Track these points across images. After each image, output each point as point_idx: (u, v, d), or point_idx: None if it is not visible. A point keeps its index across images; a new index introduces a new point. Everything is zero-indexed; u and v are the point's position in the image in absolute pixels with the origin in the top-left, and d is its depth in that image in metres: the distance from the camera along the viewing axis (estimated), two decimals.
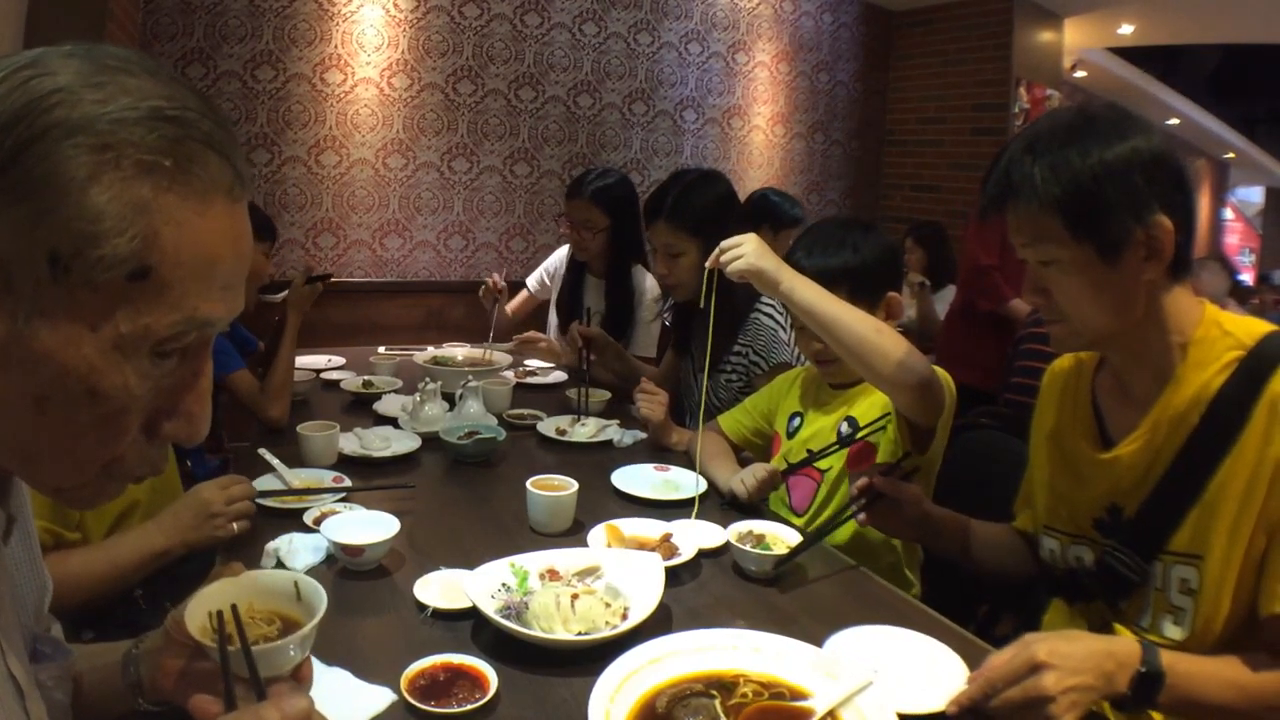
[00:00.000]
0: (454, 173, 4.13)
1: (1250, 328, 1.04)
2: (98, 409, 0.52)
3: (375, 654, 1.01)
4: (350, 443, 1.74)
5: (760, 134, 5.14)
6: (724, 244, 1.45)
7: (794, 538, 1.36)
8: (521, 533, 1.42)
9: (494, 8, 4.11)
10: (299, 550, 1.26)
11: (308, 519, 1.38)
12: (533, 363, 2.76)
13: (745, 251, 1.42)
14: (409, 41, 3.91)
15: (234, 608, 0.73)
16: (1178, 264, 1.03)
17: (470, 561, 1.18)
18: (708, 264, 1.48)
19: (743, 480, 1.56)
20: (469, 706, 0.91)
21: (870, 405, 1.56)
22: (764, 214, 3.51)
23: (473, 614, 1.09)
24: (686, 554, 1.29)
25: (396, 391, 2.23)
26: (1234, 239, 13.67)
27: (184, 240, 0.51)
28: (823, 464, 1.58)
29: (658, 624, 1.10)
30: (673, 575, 1.24)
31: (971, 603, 1.54)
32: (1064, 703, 0.87)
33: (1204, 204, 12.11)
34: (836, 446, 1.55)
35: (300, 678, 0.76)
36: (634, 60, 4.59)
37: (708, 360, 1.68)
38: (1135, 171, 0.98)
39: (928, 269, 4.15)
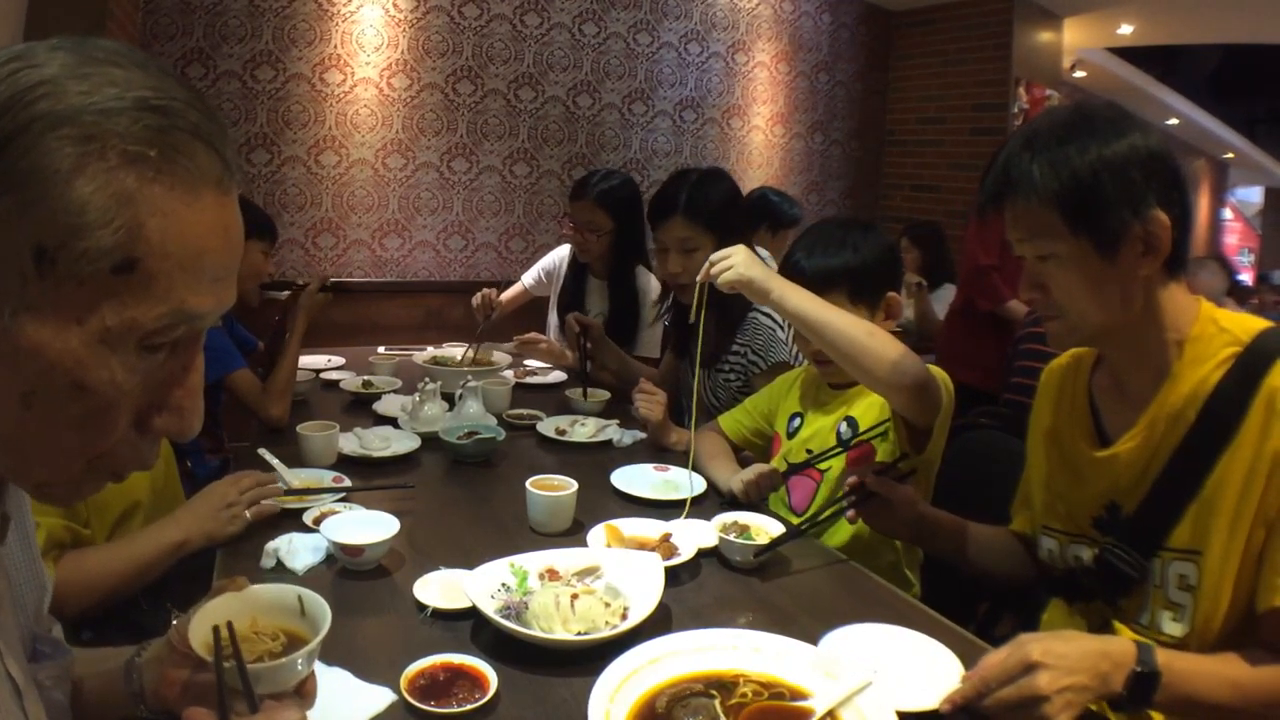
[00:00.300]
0: (453, 173, 4.13)
1: (1246, 324, 1.04)
2: (85, 403, 0.51)
3: (375, 654, 1.01)
4: (350, 443, 1.74)
5: (760, 134, 5.14)
6: (713, 257, 1.46)
7: (777, 529, 1.37)
8: (521, 533, 1.42)
9: (494, 8, 4.11)
10: (299, 550, 1.26)
11: (307, 519, 1.38)
12: (532, 363, 2.76)
13: (734, 262, 1.43)
14: (409, 41, 3.91)
15: (230, 625, 0.73)
16: (1174, 261, 1.04)
17: (470, 561, 1.18)
18: (698, 278, 1.49)
19: (743, 480, 1.56)
20: (469, 706, 0.91)
21: (869, 405, 1.56)
22: (763, 213, 3.51)
23: (472, 614, 1.09)
24: (686, 554, 1.29)
25: (396, 391, 2.23)
26: (1233, 239, 13.67)
27: (170, 232, 0.50)
28: (822, 464, 1.58)
29: (657, 624, 1.10)
30: (672, 575, 1.24)
31: (971, 602, 1.54)
32: (1058, 703, 0.87)
33: (1203, 204, 12.12)
34: (839, 450, 1.55)
35: (304, 693, 0.76)
36: (634, 60, 4.58)
37: (697, 373, 1.66)
38: (1133, 167, 0.99)
39: (924, 269, 4.16)
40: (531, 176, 4.35)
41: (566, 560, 1.20)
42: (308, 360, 2.50)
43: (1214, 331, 1.05)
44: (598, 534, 1.35)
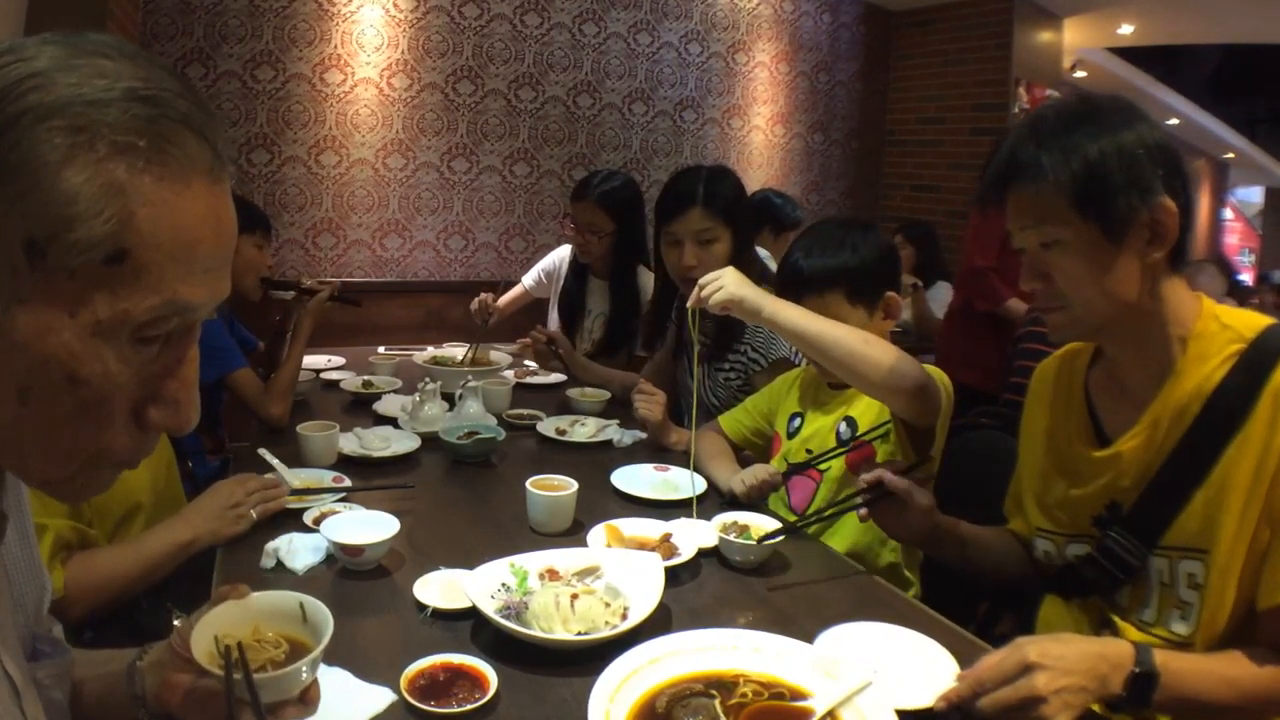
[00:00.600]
0: (454, 173, 4.13)
1: (1249, 321, 1.04)
2: (80, 396, 0.51)
3: (375, 654, 1.01)
4: (350, 443, 1.74)
5: (760, 134, 5.14)
6: (702, 280, 1.46)
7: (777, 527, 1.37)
8: (521, 533, 1.42)
9: (494, 8, 4.11)
10: (299, 550, 1.26)
11: (308, 519, 1.38)
12: (532, 363, 2.76)
13: (724, 283, 1.43)
14: (409, 41, 3.91)
15: (239, 646, 0.73)
16: (1177, 254, 1.04)
17: (470, 561, 1.18)
18: (689, 303, 1.48)
19: (743, 480, 1.56)
20: (469, 706, 0.91)
21: (869, 405, 1.56)
22: (765, 215, 3.52)
23: (472, 614, 1.09)
24: (686, 554, 1.29)
25: (396, 391, 2.23)
26: (1234, 239, 13.67)
27: (161, 222, 0.50)
28: (822, 465, 1.59)
29: (657, 624, 1.10)
30: (672, 575, 1.24)
31: (971, 602, 1.54)
32: (1056, 704, 0.87)
33: (1204, 204, 12.11)
34: (839, 451, 1.55)
35: (307, 700, 0.76)
36: (634, 60, 4.58)
37: (696, 384, 1.66)
38: (1141, 154, 1.00)
39: (917, 268, 4.17)
40: (531, 176, 4.35)
41: (566, 560, 1.20)
42: (308, 360, 2.49)
43: (1217, 328, 1.04)
44: (598, 534, 1.35)
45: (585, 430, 1.96)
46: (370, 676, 0.95)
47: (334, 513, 1.38)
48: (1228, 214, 13.35)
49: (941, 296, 4.15)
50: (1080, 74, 6.58)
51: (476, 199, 4.22)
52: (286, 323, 2.37)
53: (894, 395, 1.39)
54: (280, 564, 1.24)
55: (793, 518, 1.60)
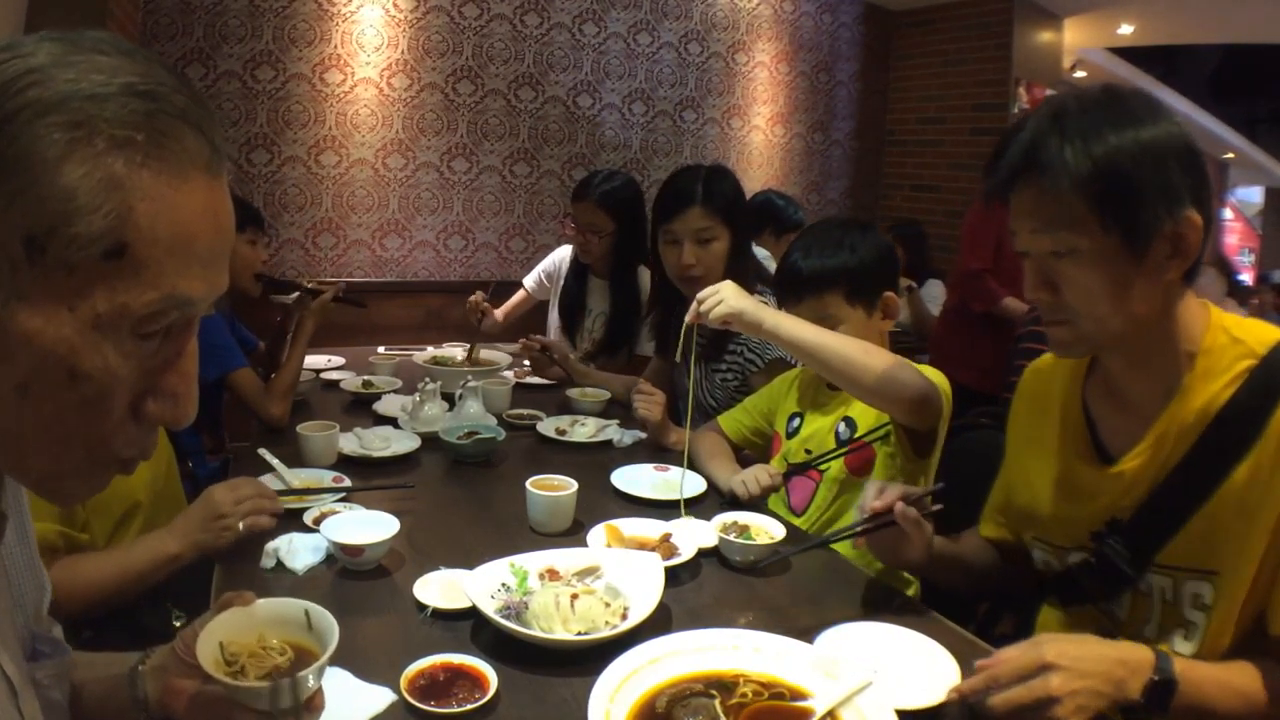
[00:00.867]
0: (454, 173, 4.13)
1: (1261, 335, 0.98)
2: (80, 391, 0.51)
3: (375, 654, 1.01)
4: (350, 443, 1.74)
5: (760, 134, 5.14)
6: (700, 295, 1.45)
7: (777, 529, 1.38)
8: (521, 533, 1.42)
9: (494, 8, 4.11)
10: (299, 550, 1.26)
11: (308, 519, 1.38)
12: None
13: (724, 296, 1.42)
14: (409, 41, 3.91)
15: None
16: (1193, 267, 0.97)
17: (470, 561, 1.18)
18: (687, 319, 1.48)
19: (743, 481, 1.56)
20: (469, 706, 0.91)
21: (868, 406, 1.56)
22: (767, 216, 3.52)
23: (472, 614, 1.09)
24: (686, 554, 1.29)
25: (396, 391, 2.24)
26: (1233, 239, 13.67)
27: (160, 216, 0.50)
28: (822, 465, 1.59)
29: (657, 624, 1.10)
30: (672, 575, 1.24)
31: (971, 602, 1.54)
32: (1070, 705, 0.85)
33: None
34: (839, 452, 1.55)
35: (313, 707, 0.76)
36: (634, 60, 4.58)
37: (689, 402, 1.65)
38: (1171, 159, 0.92)
39: (908, 266, 4.18)
40: (531, 176, 4.35)
41: (566, 560, 1.20)
42: (308, 360, 2.49)
43: (1226, 342, 0.99)
44: (598, 534, 1.35)
45: (585, 430, 1.96)
46: (370, 676, 0.95)
47: (334, 513, 1.38)
48: (1228, 214, 13.34)
49: (934, 294, 4.18)
50: (1080, 74, 6.57)
51: (476, 199, 4.22)
52: (287, 323, 2.37)
53: (894, 404, 1.39)
54: (280, 564, 1.24)
55: (793, 518, 1.60)
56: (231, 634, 0.76)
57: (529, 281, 3.01)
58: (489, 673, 0.96)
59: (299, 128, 3.73)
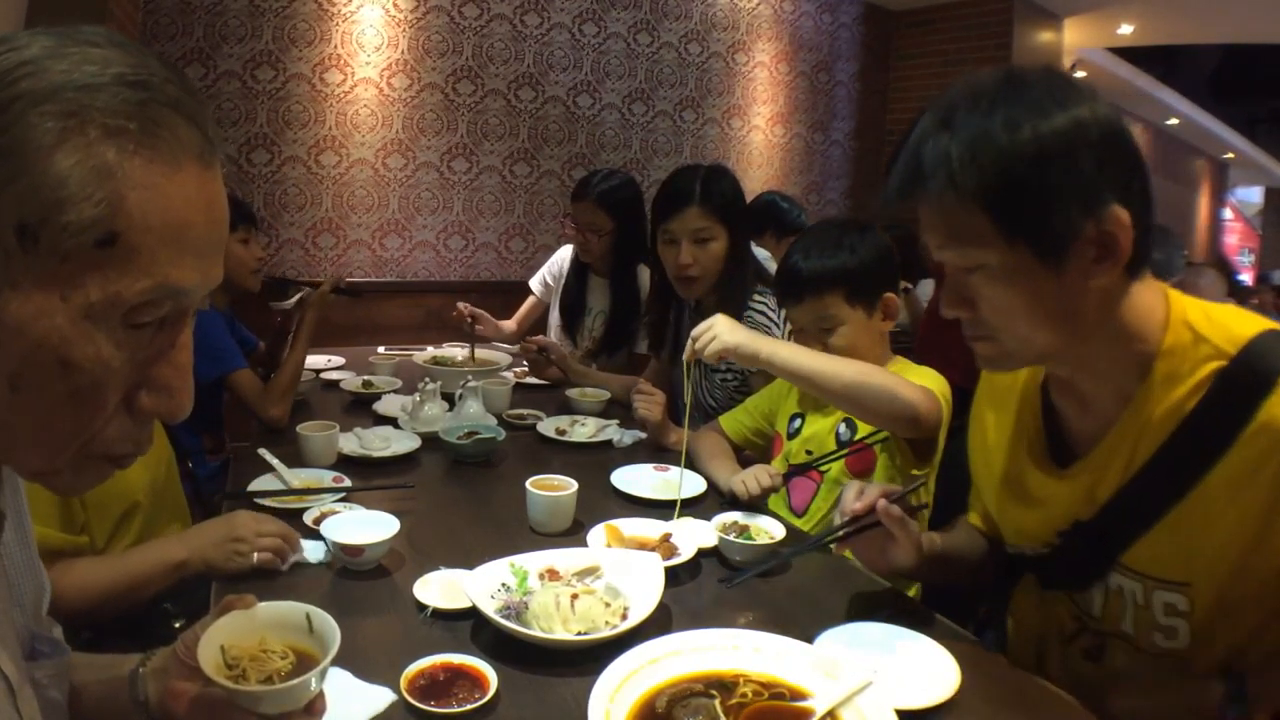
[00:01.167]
0: (454, 173, 4.13)
1: (1230, 329, 0.87)
2: (72, 381, 0.51)
3: (375, 654, 1.01)
4: (350, 443, 1.74)
5: (760, 134, 5.14)
6: (694, 332, 1.46)
7: (777, 529, 1.38)
8: (521, 533, 1.42)
9: (494, 8, 4.11)
10: (299, 550, 1.26)
11: (308, 519, 1.38)
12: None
13: (717, 332, 1.42)
14: (409, 41, 3.91)
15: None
16: (1135, 262, 0.86)
17: (470, 561, 1.18)
18: (685, 356, 1.48)
19: (743, 481, 1.56)
20: (469, 706, 0.91)
21: None
22: (770, 218, 3.51)
23: (472, 614, 1.09)
24: (686, 554, 1.29)
25: (396, 391, 2.24)
26: (1233, 239, 13.67)
27: (152, 205, 0.50)
28: (822, 466, 1.59)
29: (657, 624, 1.10)
30: (672, 575, 1.24)
31: (971, 603, 1.54)
32: None
33: (1203, 204, 12.11)
34: (839, 453, 1.55)
35: (313, 711, 0.76)
36: (634, 60, 4.59)
37: (686, 419, 1.65)
38: (1082, 151, 0.80)
39: (901, 268, 4.18)
40: (531, 176, 4.35)
41: (566, 560, 1.20)
42: (308, 360, 2.50)
43: (1189, 342, 0.88)
44: (598, 534, 1.35)
45: (585, 430, 1.96)
46: (370, 676, 0.95)
47: (334, 513, 1.38)
48: (1228, 214, 13.35)
49: (928, 294, 4.19)
50: (1080, 74, 6.58)
51: (476, 199, 4.22)
52: (287, 323, 2.37)
53: (892, 423, 1.41)
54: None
55: (793, 519, 1.60)
56: (233, 637, 0.76)
57: (535, 286, 3.02)
58: (489, 673, 0.96)
59: (299, 128, 3.73)
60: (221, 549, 1.21)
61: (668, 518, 1.45)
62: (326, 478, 1.59)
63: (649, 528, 1.38)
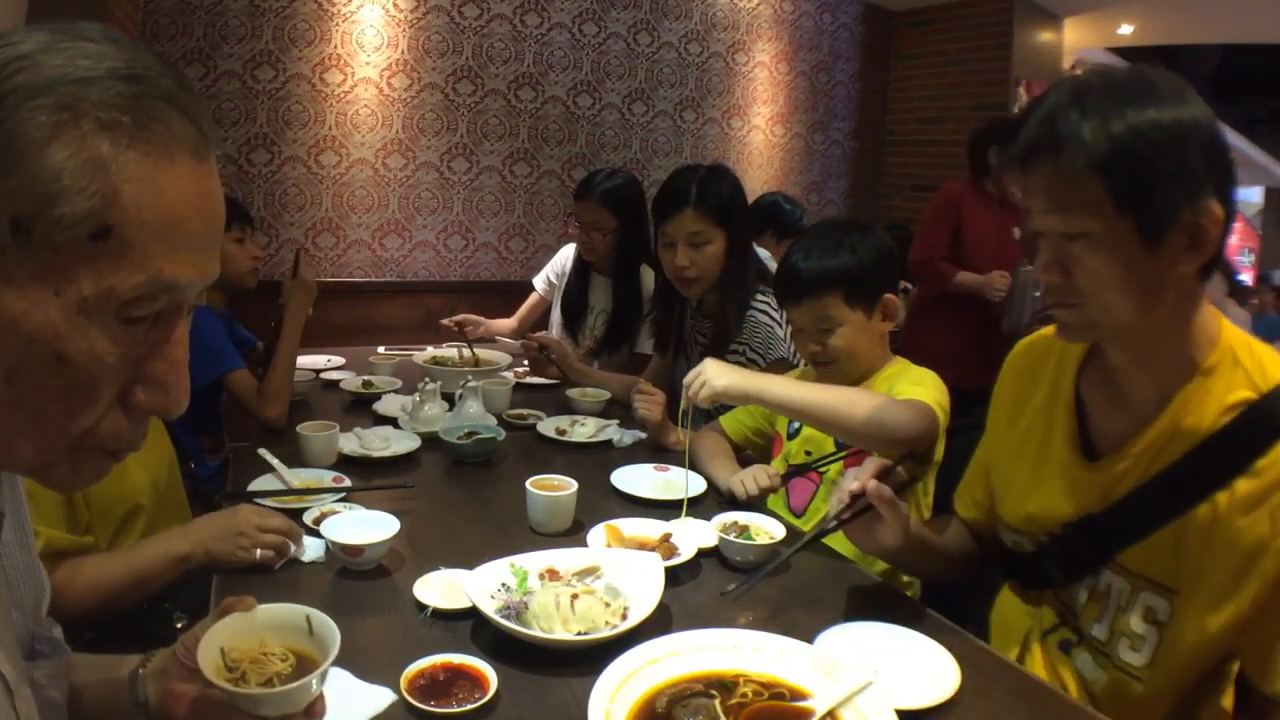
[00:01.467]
0: (454, 173, 4.13)
1: (1265, 368, 0.95)
2: (66, 376, 0.51)
3: (375, 654, 1.01)
4: (350, 443, 1.74)
5: (760, 134, 5.14)
6: (685, 383, 1.46)
7: (777, 529, 1.38)
8: (521, 533, 1.42)
9: (494, 8, 4.11)
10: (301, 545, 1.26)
11: (308, 519, 1.38)
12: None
13: (708, 378, 1.43)
14: (409, 41, 3.91)
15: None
16: (1208, 265, 0.93)
17: (470, 561, 1.18)
18: (682, 405, 1.48)
19: (742, 481, 1.56)
20: (469, 706, 0.91)
21: None
22: (771, 218, 3.52)
23: (472, 614, 1.09)
24: (686, 554, 1.29)
25: (396, 391, 2.23)
26: (1234, 239, 13.66)
27: (146, 198, 0.50)
28: (821, 467, 1.59)
29: (657, 624, 1.10)
30: (672, 575, 1.24)
31: (971, 602, 1.54)
32: None
33: None
34: (840, 455, 1.55)
35: (313, 713, 0.76)
36: (634, 60, 4.58)
37: (687, 445, 1.63)
38: (1194, 146, 0.88)
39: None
40: (531, 176, 4.35)
41: (566, 560, 1.20)
42: (308, 360, 2.50)
43: (1230, 365, 0.95)
44: (598, 534, 1.35)
45: (585, 430, 1.96)
46: (370, 676, 0.95)
47: (334, 513, 1.38)
48: None
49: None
50: (1080, 74, 6.57)
51: (476, 199, 4.22)
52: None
53: (888, 447, 1.40)
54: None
55: (792, 519, 1.60)
56: (233, 640, 0.76)
57: (538, 284, 3.03)
58: (489, 673, 0.96)
59: (299, 128, 3.73)
60: (224, 542, 1.22)
61: (668, 518, 1.45)
62: (326, 478, 1.59)
63: (649, 528, 1.38)
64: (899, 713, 0.89)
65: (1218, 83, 10.22)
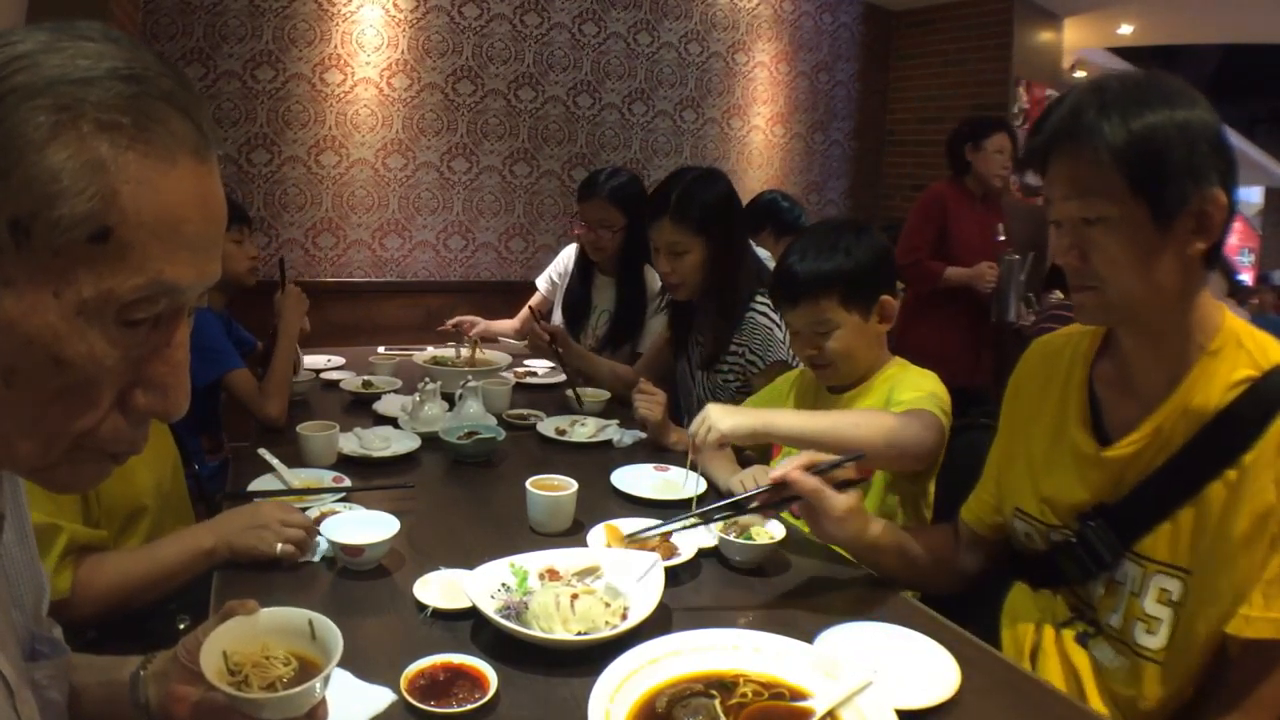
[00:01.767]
0: (453, 173, 4.13)
1: (1267, 350, 1.02)
2: (65, 379, 0.50)
3: (375, 654, 1.01)
4: (350, 443, 1.74)
5: (760, 134, 5.14)
6: (690, 430, 1.42)
7: (777, 529, 1.37)
8: (521, 533, 1.42)
9: (494, 8, 4.11)
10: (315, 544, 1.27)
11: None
12: (532, 362, 2.76)
13: (712, 421, 1.38)
14: (409, 41, 3.91)
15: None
16: (1212, 253, 1.00)
17: (470, 561, 1.18)
18: (690, 457, 1.44)
19: (740, 480, 1.56)
20: (469, 706, 0.91)
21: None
22: (769, 217, 3.52)
23: (472, 614, 1.09)
24: (686, 554, 1.29)
25: (396, 391, 2.23)
26: (1233, 239, 13.66)
27: (145, 200, 0.50)
28: None
29: (657, 624, 1.10)
30: (672, 575, 1.24)
31: (971, 603, 1.54)
32: None
33: None
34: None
35: (316, 717, 0.76)
36: (634, 60, 4.58)
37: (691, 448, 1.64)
38: (1201, 139, 0.96)
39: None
40: (531, 176, 4.35)
41: (566, 560, 1.20)
42: (308, 360, 2.50)
43: (1234, 348, 1.02)
44: (598, 534, 1.35)
45: (585, 430, 1.96)
46: (370, 676, 0.95)
47: (334, 513, 1.38)
48: None
49: None
50: (1080, 74, 6.57)
51: (476, 199, 4.22)
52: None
53: (896, 462, 1.43)
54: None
55: (792, 519, 1.60)
56: (235, 643, 0.76)
57: (542, 284, 3.04)
58: (489, 673, 0.96)
59: (299, 128, 3.73)
60: (247, 535, 1.24)
61: (667, 518, 1.44)
62: (326, 478, 1.59)
63: (649, 528, 1.38)
64: (899, 713, 0.89)
65: (1218, 83, 10.22)
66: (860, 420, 1.40)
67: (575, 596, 1.07)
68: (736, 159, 5.04)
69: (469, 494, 1.62)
